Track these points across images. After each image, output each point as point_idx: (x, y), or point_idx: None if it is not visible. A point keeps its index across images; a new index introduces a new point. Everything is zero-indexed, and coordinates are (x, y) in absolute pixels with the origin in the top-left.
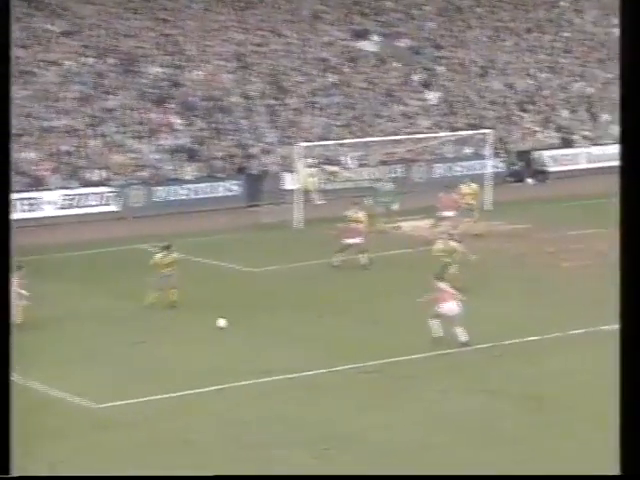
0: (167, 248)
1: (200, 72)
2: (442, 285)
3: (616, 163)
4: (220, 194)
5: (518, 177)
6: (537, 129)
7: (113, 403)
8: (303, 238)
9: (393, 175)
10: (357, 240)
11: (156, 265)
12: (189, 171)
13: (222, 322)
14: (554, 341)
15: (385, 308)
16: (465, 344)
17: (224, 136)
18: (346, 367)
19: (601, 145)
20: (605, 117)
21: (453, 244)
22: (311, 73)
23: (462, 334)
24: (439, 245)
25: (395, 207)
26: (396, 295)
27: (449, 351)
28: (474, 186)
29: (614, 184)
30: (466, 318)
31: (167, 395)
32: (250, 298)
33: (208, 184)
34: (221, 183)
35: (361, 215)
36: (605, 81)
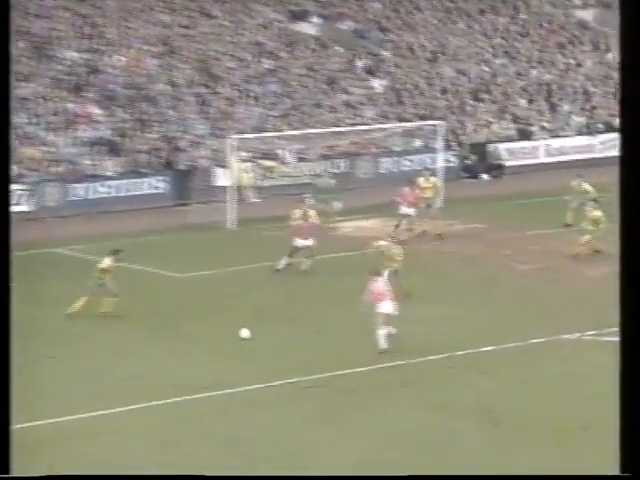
0: (117, 253)
1: (122, 57)
2: (378, 282)
3: (578, 156)
4: (144, 192)
5: (472, 172)
6: (492, 120)
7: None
8: (237, 240)
9: (335, 170)
10: (309, 242)
11: (104, 271)
12: (110, 166)
13: (245, 332)
14: (512, 351)
15: (328, 316)
16: (384, 351)
17: (149, 128)
18: (286, 381)
19: (561, 137)
20: (565, 107)
21: (394, 249)
22: (245, 58)
23: (385, 339)
24: (383, 247)
25: (338, 205)
26: (340, 302)
27: (399, 362)
28: (433, 180)
29: (575, 179)
30: (417, 326)
31: (80, 415)
32: (178, 307)
33: (131, 181)
34: (146, 179)
35: (312, 214)
36: (565, 67)
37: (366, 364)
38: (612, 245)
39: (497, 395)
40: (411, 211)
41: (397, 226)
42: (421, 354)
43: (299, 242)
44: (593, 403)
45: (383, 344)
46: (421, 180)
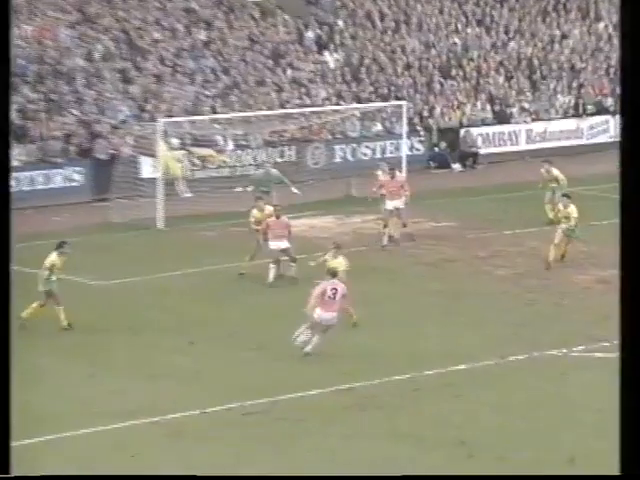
0: (62, 246)
1: (28, 27)
2: (323, 285)
3: (564, 142)
4: (57, 185)
5: (441, 162)
6: (464, 100)
7: None
8: (167, 242)
9: (282, 160)
10: (284, 244)
11: (52, 268)
12: (15, 155)
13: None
14: (487, 370)
15: (273, 331)
16: (307, 353)
17: (62, 110)
18: (223, 407)
19: (545, 120)
20: (549, 85)
21: (335, 261)
22: (175, 28)
23: (308, 344)
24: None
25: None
26: (286, 315)
27: (354, 385)
28: (400, 175)
29: (562, 169)
30: (377, 341)
31: None
32: (100, 319)
33: (41, 172)
34: (59, 171)
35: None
36: (549, 39)
37: (315, 386)
38: (595, 246)
39: (470, 422)
40: (399, 203)
41: (385, 225)
42: (381, 374)
43: (274, 244)
44: (580, 430)
45: (301, 345)
46: (379, 173)
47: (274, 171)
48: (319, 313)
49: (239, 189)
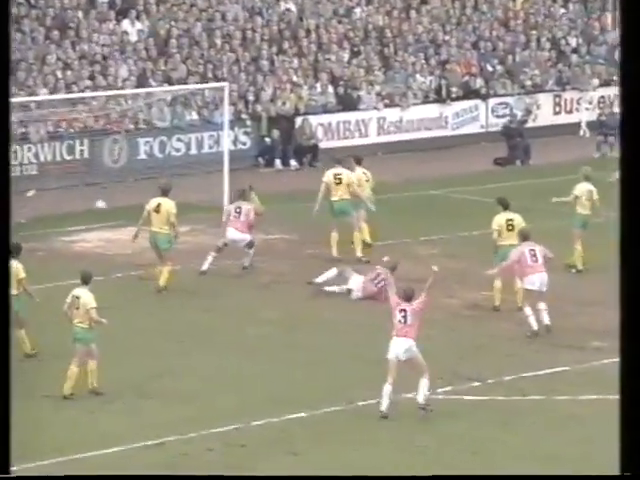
0: (17, 251)
1: None
2: None
3: (424, 134)
4: None
5: (272, 157)
6: (300, 81)
7: None
8: None
9: (71, 157)
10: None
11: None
12: None
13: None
14: (330, 419)
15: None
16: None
17: None
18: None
19: (400, 107)
20: (406, 62)
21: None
22: None
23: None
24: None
25: None
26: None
27: (165, 440)
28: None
29: (423, 167)
30: (190, 387)
31: None
32: None
33: None
34: None
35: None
36: (405, 5)
37: (122, 442)
38: (464, 261)
39: None
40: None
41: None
42: (199, 426)
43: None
44: None
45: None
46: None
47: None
48: None
49: (30, 193)
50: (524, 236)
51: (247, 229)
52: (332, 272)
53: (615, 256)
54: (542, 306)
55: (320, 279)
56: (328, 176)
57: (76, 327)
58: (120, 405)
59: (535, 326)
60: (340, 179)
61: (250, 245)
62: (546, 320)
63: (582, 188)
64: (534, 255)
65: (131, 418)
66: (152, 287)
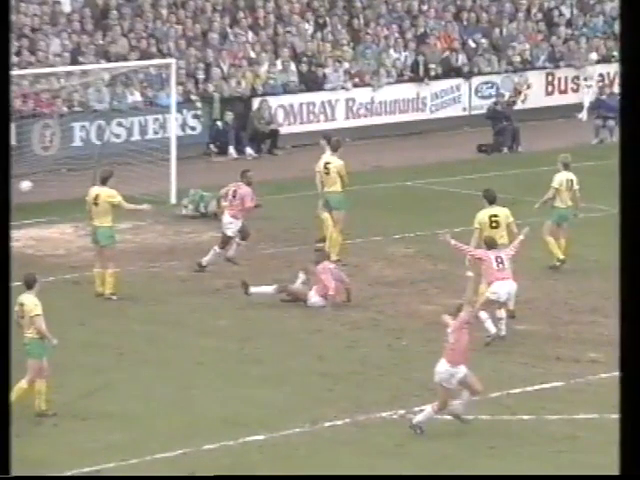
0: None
1: None
2: None
3: (398, 117)
4: None
5: (225, 144)
6: (257, 57)
7: None
8: None
9: None
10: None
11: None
12: None
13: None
14: (291, 442)
15: None
16: None
17: None
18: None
19: (371, 86)
20: (378, 36)
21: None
22: None
23: None
24: None
25: None
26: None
27: (101, 468)
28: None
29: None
30: (136, 408)
31: None
32: None
33: None
34: None
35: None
36: None
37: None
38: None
39: None
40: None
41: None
42: (145, 451)
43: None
44: None
45: None
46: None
47: None
48: None
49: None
50: (489, 245)
51: (240, 214)
52: (269, 288)
53: (615, 256)
54: (502, 314)
55: (255, 290)
56: (319, 165)
57: (25, 338)
58: (50, 427)
59: (493, 329)
60: (328, 169)
61: (243, 235)
62: (503, 332)
63: (561, 178)
64: (501, 262)
65: (63, 442)
66: (89, 293)
